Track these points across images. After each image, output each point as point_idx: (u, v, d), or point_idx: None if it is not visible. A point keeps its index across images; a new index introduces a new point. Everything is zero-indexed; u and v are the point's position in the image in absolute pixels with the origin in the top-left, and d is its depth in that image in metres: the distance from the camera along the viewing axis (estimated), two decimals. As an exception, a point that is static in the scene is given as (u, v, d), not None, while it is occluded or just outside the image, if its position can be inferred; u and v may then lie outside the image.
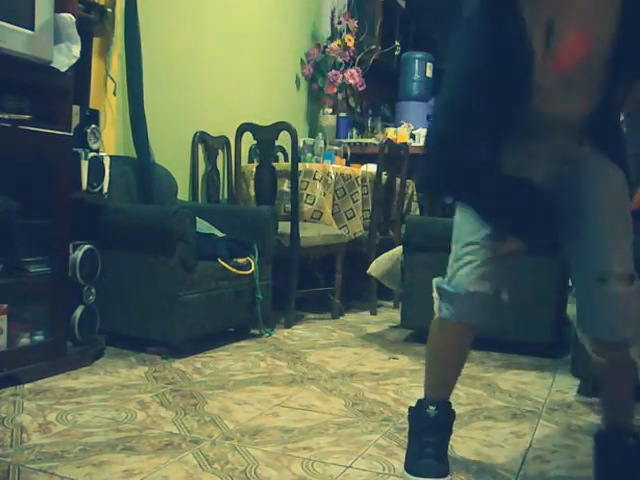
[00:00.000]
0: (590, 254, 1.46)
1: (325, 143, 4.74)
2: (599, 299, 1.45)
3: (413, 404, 1.69)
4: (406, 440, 1.88)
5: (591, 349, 1.55)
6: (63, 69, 2.38)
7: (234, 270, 3.01)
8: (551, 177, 1.48)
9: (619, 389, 1.57)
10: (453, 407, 1.64)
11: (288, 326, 3.44)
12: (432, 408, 1.60)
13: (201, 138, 3.93)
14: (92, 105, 2.92)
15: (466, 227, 1.56)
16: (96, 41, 3.06)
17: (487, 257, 1.51)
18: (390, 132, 5.32)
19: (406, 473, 1.59)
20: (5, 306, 2.26)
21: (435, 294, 1.58)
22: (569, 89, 1.36)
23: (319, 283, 4.14)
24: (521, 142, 1.43)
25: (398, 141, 4.70)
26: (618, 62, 1.33)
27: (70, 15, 2.42)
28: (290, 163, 3.50)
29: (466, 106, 1.41)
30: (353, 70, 5.01)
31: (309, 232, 3.55)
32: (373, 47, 5.32)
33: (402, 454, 1.78)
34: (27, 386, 2.27)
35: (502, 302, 1.55)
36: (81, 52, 2.45)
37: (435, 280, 1.60)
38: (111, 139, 3.23)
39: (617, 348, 1.46)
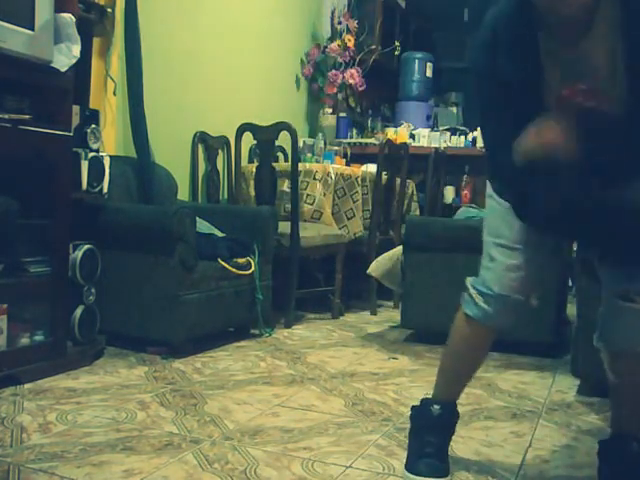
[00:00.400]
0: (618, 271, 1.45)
1: (325, 143, 4.75)
2: (622, 314, 1.44)
3: (413, 404, 1.70)
4: (406, 440, 1.88)
5: (608, 361, 1.54)
6: (63, 69, 2.38)
7: (234, 270, 3.01)
8: None
9: (633, 401, 1.55)
10: None
11: (288, 326, 3.44)
12: (436, 407, 1.61)
13: (201, 138, 3.93)
14: (92, 105, 2.92)
15: (500, 224, 1.53)
16: (96, 41, 3.06)
17: (521, 261, 1.50)
18: (390, 132, 5.33)
19: (406, 472, 1.60)
20: (5, 306, 2.26)
21: (466, 293, 1.58)
22: None
23: (319, 283, 4.14)
24: None
25: (398, 141, 4.71)
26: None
27: (70, 15, 2.42)
28: (290, 163, 3.50)
29: None
30: (353, 70, 5.01)
31: (309, 232, 3.56)
32: (373, 47, 5.32)
33: (402, 454, 1.78)
34: (27, 386, 2.27)
35: (531, 307, 1.54)
36: (81, 52, 2.45)
37: (468, 279, 1.60)
38: (111, 139, 3.23)
39: (634, 359, 1.47)
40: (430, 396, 1.68)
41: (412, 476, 1.58)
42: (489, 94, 1.41)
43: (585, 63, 1.29)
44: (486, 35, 1.38)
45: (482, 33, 1.39)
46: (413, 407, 1.68)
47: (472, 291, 1.56)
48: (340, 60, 4.99)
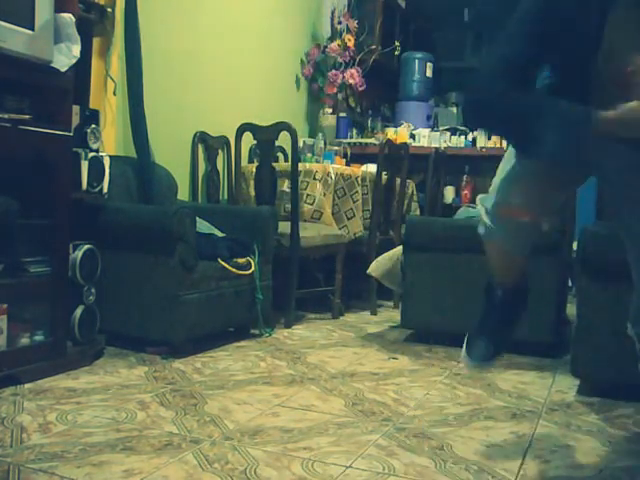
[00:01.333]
0: None
1: (325, 143, 4.74)
2: None
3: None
4: (406, 440, 1.89)
5: None
6: (63, 69, 2.38)
7: (234, 270, 3.01)
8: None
9: None
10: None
11: (288, 326, 3.44)
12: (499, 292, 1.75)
13: (201, 138, 3.93)
14: (92, 105, 2.92)
15: (506, 165, 1.59)
16: (96, 41, 3.06)
17: (525, 182, 1.54)
18: (390, 132, 5.33)
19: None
20: (5, 306, 2.26)
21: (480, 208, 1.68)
22: None
23: (319, 283, 4.13)
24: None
25: (398, 141, 4.71)
26: None
27: (70, 15, 2.42)
28: (290, 163, 3.50)
29: None
30: (353, 70, 5.01)
31: (309, 232, 3.56)
32: (373, 47, 5.32)
33: (402, 454, 1.78)
34: (27, 386, 2.27)
35: (540, 231, 1.63)
36: (81, 52, 2.45)
37: (480, 196, 1.69)
38: (111, 139, 3.23)
39: None
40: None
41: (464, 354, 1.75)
42: (533, 9, 1.31)
43: None
44: None
45: None
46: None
47: (479, 206, 1.64)
48: (340, 60, 4.99)
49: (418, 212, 4.90)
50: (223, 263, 2.96)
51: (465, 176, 5.53)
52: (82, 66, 2.59)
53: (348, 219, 3.97)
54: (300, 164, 3.71)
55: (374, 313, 3.96)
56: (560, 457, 1.82)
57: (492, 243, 1.67)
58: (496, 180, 1.60)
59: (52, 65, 2.33)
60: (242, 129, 3.64)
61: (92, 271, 2.62)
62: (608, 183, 1.47)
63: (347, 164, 4.83)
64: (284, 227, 3.43)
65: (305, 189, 3.79)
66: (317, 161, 4.40)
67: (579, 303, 2.40)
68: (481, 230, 1.68)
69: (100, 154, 2.67)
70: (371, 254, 3.84)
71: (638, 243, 1.45)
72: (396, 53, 5.63)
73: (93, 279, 2.63)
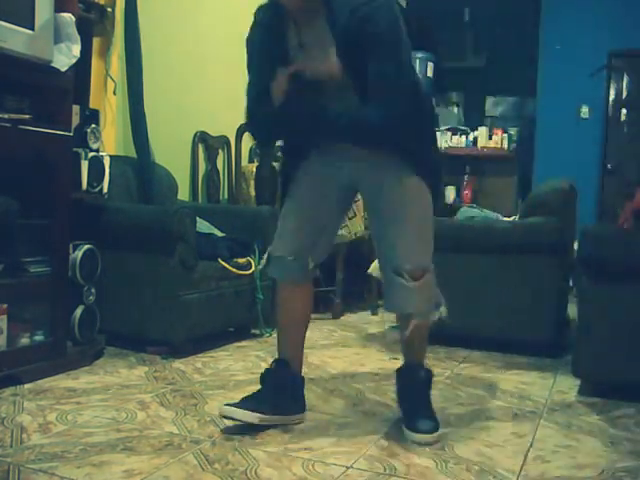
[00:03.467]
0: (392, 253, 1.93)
1: (325, 143, 4.73)
2: (394, 286, 1.89)
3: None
4: (407, 441, 1.88)
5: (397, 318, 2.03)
6: (63, 69, 2.37)
7: (234, 270, 3.00)
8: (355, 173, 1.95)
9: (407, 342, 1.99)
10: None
11: (288, 326, 3.44)
12: (272, 364, 2.04)
13: (201, 138, 3.93)
14: (92, 105, 2.91)
15: (285, 203, 2.05)
16: (96, 41, 3.05)
17: (292, 229, 2.00)
18: (390, 132, 5.31)
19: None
20: (5, 306, 2.25)
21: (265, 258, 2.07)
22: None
23: (319, 283, 4.12)
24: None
25: (398, 141, 4.69)
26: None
27: (70, 15, 2.42)
28: (290, 163, 3.49)
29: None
30: (353, 70, 5.00)
31: (309, 232, 3.55)
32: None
33: (403, 454, 1.78)
34: (27, 386, 2.26)
35: (309, 269, 2.01)
36: (81, 52, 2.45)
37: (268, 247, 2.07)
38: (111, 139, 3.22)
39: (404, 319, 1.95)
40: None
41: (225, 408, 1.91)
42: (253, 57, 2.03)
43: (312, 47, 1.83)
44: (255, 17, 2.03)
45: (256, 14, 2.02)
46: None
47: (265, 256, 2.06)
48: (340, 60, 4.98)
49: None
50: (223, 263, 2.95)
51: (466, 176, 5.53)
52: (82, 66, 2.58)
53: (349, 219, 3.96)
54: (300, 164, 3.70)
55: (375, 313, 3.95)
56: (561, 457, 1.81)
57: (278, 284, 2.08)
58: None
59: (52, 65, 2.33)
60: (242, 129, 3.64)
61: (92, 271, 2.62)
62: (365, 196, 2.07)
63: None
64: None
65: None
66: (317, 161, 4.38)
67: (579, 303, 2.40)
68: (268, 271, 2.07)
69: (100, 154, 2.66)
70: (372, 254, 3.83)
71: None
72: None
73: (93, 279, 2.63)
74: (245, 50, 2.04)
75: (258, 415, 1.89)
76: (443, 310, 2.00)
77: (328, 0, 1.77)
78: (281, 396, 1.97)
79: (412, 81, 1.86)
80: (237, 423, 1.90)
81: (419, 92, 1.89)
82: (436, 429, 1.89)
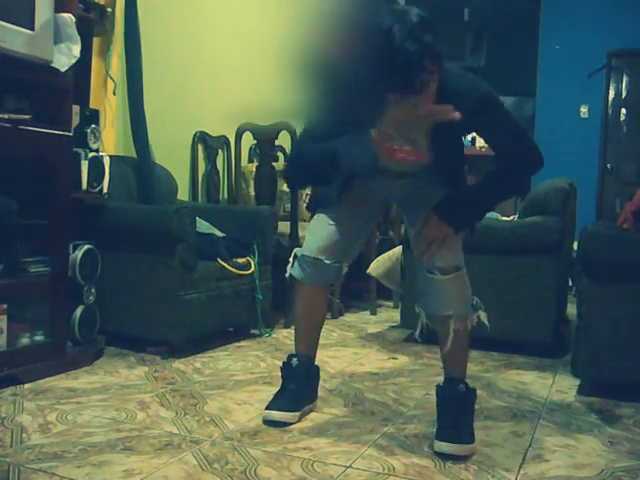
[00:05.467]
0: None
1: (325, 143, 4.73)
2: (431, 284, 1.89)
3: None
4: (406, 440, 1.89)
5: (427, 320, 1.99)
6: (63, 69, 2.38)
7: (234, 270, 3.01)
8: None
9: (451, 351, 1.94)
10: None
11: (288, 326, 3.44)
12: (295, 360, 2.08)
13: (201, 138, 3.93)
14: (92, 105, 2.91)
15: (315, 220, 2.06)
16: (96, 41, 3.05)
17: (331, 232, 2.00)
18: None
19: (264, 410, 2.01)
20: (5, 306, 2.26)
21: (291, 259, 2.07)
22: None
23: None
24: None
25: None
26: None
27: (70, 15, 2.42)
28: (290, 163, 3.49)
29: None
30: (353, 70, 5.00)
31: (309, 232, 3.55)
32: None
33: (402, 454, 1.78)
34: (27, 386, 2.27)
35: (342, 272, 2.06)
36: (81, 52, 2.45)
37: (296, 249, 2.07)
38: (111, 139, 3.23)
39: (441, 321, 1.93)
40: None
41: (265, 411, 2.00)
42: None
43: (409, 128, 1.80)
44: None
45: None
46: (283, 362, 2.11)
47: (296, 257, 2.04)
48: (340, 60, 4.98)
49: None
50: (223, 263, 2.96)
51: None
52: (82, 66, 2.58)
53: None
54: (300, 164, 3.70)
55: (374, 313, 3.96)
56: (560, 457, 1.82)
57: (301, 284, 2.06)
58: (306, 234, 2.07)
59: (52, 65, 2.33)
60: (242, 129, 3.64)
61: (92, 271, 2.62)
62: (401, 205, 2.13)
63: (347, 164, 4.81)
64: (284, 227, 3.43)
65: (305, 189, 3.79)
66: (317, 161, 4.38)
67: (579, 303, 2.40)
68: (294, 273, 2.06)
69: (100, 154, 2.67)
70: (371, 254, 3.84)
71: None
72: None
73: (93, 279, 2.63)
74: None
75: (297, 414, 2.01)
76: (482, 314, 1.95)
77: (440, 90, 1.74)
78: (308, 388, 2.12)
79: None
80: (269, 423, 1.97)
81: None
82: (466, 442, 1.80)
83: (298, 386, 2.07)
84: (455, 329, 1.88)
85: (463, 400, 1.92)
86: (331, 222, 2.00)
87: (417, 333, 2.00)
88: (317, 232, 2.02)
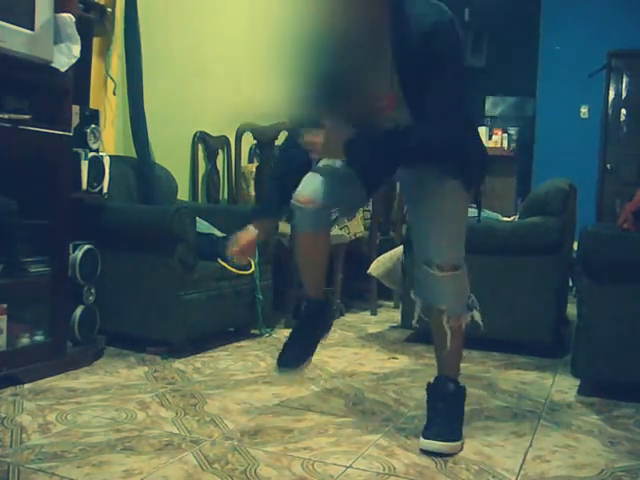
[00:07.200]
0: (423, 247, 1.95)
1: (325, 143, 4.73)
2: (427, 278, 1.90)
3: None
4: (407, 440, 1.89)
5: (424, 312, 2.01)
6: (63, 69, 2.38)
7: (234, 270, 3.00)
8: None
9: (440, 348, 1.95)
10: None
11: (288, 326, 3.43)
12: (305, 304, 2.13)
13: (201, 138, 3.93)
14: (92, 105, 2.91)
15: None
16: (96, 41, 3.05)
17: (320, 181, 1.95)
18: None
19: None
20: (5, 306, 2.26)
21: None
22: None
23: (319, 283, 4.12)
24: None
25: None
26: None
27: (70, 15, 2.42)
28: (290, 163, 3.49)
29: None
30: (353, 70, 5.00)
31: (309, 232, 3.54)
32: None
33: (403, 454, 1.78)
34: (27, 386, 2.27)
35: (332, 218, 2.01)
36: (81, 52, 2.45)
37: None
38: (111, 139, 3.23)
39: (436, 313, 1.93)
40: None
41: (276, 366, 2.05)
42: None
43: None
44: None
45: None
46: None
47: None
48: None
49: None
50: (223, 263, 2.95)
51: (465, 176, 5.52)
52: (82, 66, 2.58)
53: (348, 219, 3.97)
54: (300, 164, 3.70)
55: (374, 313, 3.95)
56: (561, 457, 1.82)
57: (297, 233, 2.03)
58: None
59: (52, 65, 2.33)
60: (242, 129, 3.64)
61: (92, 271, 2.62)
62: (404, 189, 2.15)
63: (347, 164, 4.81)
64: (284, 227, 3.43)
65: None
66: (317, 161, 4.38)
67: (579, 303, 2.40)
68: (294, 222, 2.02)
69: (100, 154, 2.66)
70: (371, 254, 3.84)
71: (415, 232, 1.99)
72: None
73: (93, 279, 2.63)
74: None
75: (310, 359, 2.09)
76: (476, 314, 1.95)
77: (398, 12, 1.71)
78: (322, 322, 2.16)
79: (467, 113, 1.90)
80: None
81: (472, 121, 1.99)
82: (449, 439, 1.80)
83: (312, 324, 2.12)
84: (450, 327, 1.89)
85: (451, 399, 1.91)
86: (324, 176, 1.94)
87: (414, 321, 2.05)
88: (307, 182, 1.95)
